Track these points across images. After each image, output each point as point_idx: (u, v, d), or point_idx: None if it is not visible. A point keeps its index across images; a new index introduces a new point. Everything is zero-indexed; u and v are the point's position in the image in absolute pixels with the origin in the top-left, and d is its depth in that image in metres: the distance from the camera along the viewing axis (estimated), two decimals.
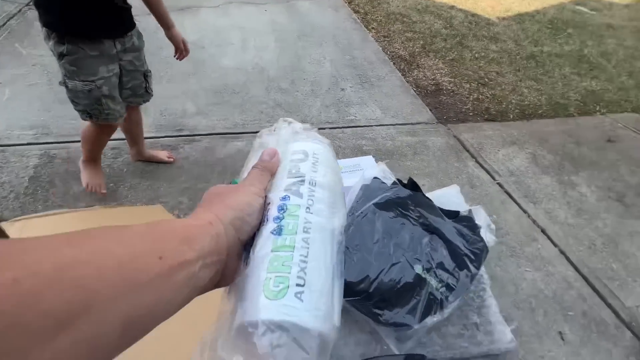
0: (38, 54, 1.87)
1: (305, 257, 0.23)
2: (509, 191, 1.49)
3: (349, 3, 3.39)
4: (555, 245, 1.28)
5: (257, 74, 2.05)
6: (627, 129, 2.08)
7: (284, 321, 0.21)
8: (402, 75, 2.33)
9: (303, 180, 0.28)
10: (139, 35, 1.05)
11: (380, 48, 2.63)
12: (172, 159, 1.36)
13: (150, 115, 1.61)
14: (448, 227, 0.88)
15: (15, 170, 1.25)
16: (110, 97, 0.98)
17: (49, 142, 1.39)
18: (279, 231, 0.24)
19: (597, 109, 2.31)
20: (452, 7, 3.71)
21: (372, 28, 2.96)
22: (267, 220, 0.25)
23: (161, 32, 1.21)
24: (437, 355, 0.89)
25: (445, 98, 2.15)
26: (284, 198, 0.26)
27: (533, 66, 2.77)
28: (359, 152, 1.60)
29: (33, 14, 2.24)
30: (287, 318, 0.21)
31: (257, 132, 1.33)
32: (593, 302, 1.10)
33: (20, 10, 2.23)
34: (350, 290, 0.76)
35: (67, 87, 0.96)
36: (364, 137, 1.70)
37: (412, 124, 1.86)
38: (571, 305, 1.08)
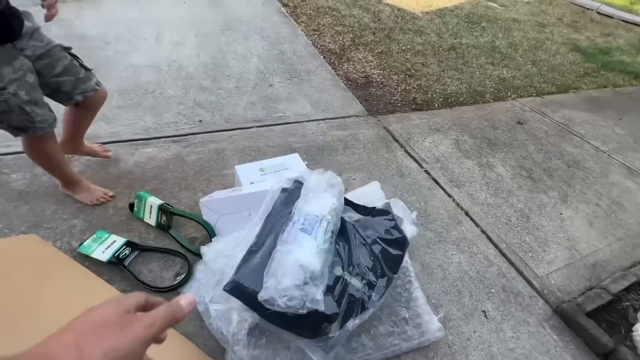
0: None
1: None
2: (435, 177, 1.54)
3: None
4: (477, 225, 1.34)
5: (174, 72, 1.86)
6: (533, 112, 2.32)
7: None
8: (333, 68, 2.30)
9: None
10: (28, 16, 0.85)
11: (310, 42, 2.58)
12: (109, 153, 1.26)
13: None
14: (364, 224, 0.84)
15: None
16: (27, 101, 0.81)
17: None
18: None
19: (509, 94, 2.53)
20: (380, 1, 3.81)
21: (302, 22, 2.89)
22: None
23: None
24: (370, 359, 0.87)
25: (375, 90, 2.18)
26: None
27: (454, 57, 2.95)
28: (288, 149, 1.52)
29: None
30: None
31: (173, 136, 1.17)
32: (511, 276, 1.18)
33: None
34: (260, 305, 0.69)
35: None
36: (294, 134, 1.63)
37: (342, 117, 1.84)
38: (492, 283, 1.13)
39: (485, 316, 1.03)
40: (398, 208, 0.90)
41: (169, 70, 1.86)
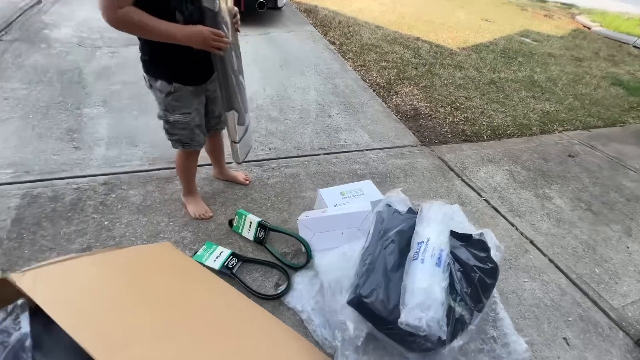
0: (9, 87, 1.77)
1: None
2: (495, 206, 1.60)
3: (324, 35, 3.58)
4: (544, 254, 1.38)
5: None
6: (582, 145, 2.35)
7: None
8: (383, 101, 2.47)
9: None
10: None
11: (359, 76, 2.79)
12: (248, 182, 1.45)
13: (141, 149, 1.57)
14: (463, 252, 0.93)
15: None
16: (199, 126, 1.09)
17: (31, 181, 1.29)
18: None
19: (555, 127, 2.58)
20: (418, 38, 4.06)
21: (349, 58, 3.14)
22: None
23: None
24: None
25: (424, 122, 2.31)
26: None
27: (495, 91, 3.06)
28: (354, 176, 1.65)
29: (1, 46, 2.13)
30: None
31: (254, 160, 1.35)
32: (586, 305, 1.19)
33: None
34: (383, 320, 0.78)
35: (167, 120, 1.04)
36: (357, 162, 1.76)
37: (398, 147, 1.96)
38: (569, 311, 1.16)
39: (567, 343, 1.05)
40: (489, 239, 0.98)
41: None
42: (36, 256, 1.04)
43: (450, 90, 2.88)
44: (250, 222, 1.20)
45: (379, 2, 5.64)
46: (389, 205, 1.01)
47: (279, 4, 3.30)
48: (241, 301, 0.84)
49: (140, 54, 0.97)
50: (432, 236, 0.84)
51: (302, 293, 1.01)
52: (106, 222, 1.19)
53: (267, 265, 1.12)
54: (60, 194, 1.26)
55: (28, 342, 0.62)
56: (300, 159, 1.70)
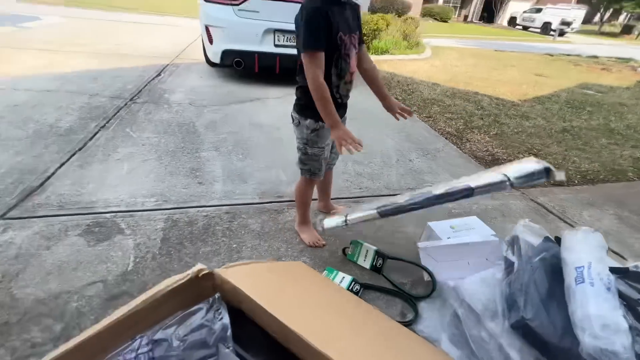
0: (147, 136, 2.16)
1: None
2: (618, 252, 1.47)
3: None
4: None
5: None
6: None
7: None
8: (457, 147, 2.53)
9: None
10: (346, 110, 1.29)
11: (428, 126, 2.93)
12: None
13: (250, 185, 1.76)
14: (621, 284, 0.87)
15: (147, 233, 1.33)
16: (325, 159, 1.27)
17: (170, 208, 1.50)
18: None
19: None
20: (476, 93, 4.21)
21: (414, 111, 3.33)
22: None
23: (240, 115, 1.42)
24: None
25: None
26: None
27: (570, 138, 2.98)
28: (450, 215, 1.65)
29: (136, 107, 2.65)
30: None
31: (351, 197, 1.45)
32: None
33: (126, 104, 2.64)
34: (553, 347, 0.74)
35: (305, 152, 1.22)
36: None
37: None
38: None
39: None
40: None
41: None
42: (183, 270, 1.16)
43: (523, 137, 2.87)
44: (367, 251, 1.24)
45: (430, 64, 6.07)
46: (524, 232, 1.00)
47: None
48: (385, 316, 0.85)
49: (296, 98, 1.18)
50: (593, 261, 0.81)
51: (434, 322, 0.99)
52: (234, 245, 1.31)
53: (389, 293, 1.13)
54: (194, 220, 1.44)
55: (229, 332, 0.69)
56: (392, 197, 1.77)
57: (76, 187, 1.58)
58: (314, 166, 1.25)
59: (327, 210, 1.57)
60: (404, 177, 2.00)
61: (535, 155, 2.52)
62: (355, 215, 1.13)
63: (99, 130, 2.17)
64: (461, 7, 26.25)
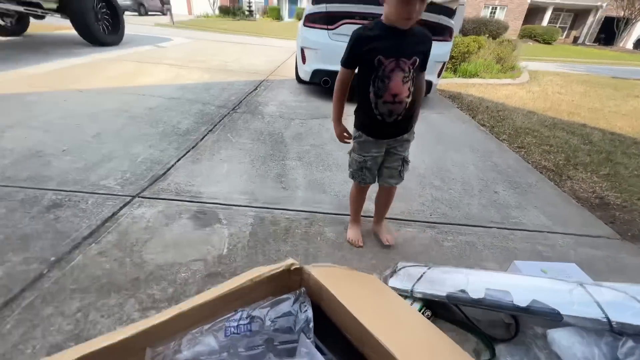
0: (244, 142, 2.47)
1: None
2: None
3: (472, 117, 3.69)
4: None
5: (409, 170, 2.26)
6: None
7: None
8: (555, 184, 2.26)
9: None
10: (413, 133, 1.33)
11: (520, 157, 2.68)
12: (388, 243, 1.48)
13: (328, 196, 1.87)
14: None
15: (239, 226, 1.53)
16: (369, 169, 1.35)
17: (258, 207, 1.70)
18: None
19: None
20: (584, 125, 3.69)
21: (504, 139, 3.08)
22: None
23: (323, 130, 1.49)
24: None
25: (619, 213, 1.95)
26: None
27: None
28: (540, 257, 1.49)
29: (237, 115, 3.06)
30: None
31: (426, 221, 1.40)
32: None
33: (229, 113, 3.07)
34: None
35: (350, 156, 1.38)
36: (539, 243, 1.60)
37: (590, 236, 1.70)
38: None
39: None
40: None
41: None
42: (266, 263, 1.31)
43: None
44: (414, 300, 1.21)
45: (526, 90, 5.53)
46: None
47: (431, 90, 3.65)
48: (461, 350, 0.83)
49: None
50: None
51: None
52: (311, 249, 1.42)
53: (463, 327, 1.08)
54: (277, 220, 1.60)
55: (311, 325, 0.78)
56: (473, 228, 1.68)
57: (188, 179, 1.91)
58: (355, 171, 1.38)
59: (376, 232, 1.55)
60: (486, 209, 1.87)
61: None
62: (422, 289, 1.11)
63: (207, 133, 2.58)
64: (571, 28, 23.31)
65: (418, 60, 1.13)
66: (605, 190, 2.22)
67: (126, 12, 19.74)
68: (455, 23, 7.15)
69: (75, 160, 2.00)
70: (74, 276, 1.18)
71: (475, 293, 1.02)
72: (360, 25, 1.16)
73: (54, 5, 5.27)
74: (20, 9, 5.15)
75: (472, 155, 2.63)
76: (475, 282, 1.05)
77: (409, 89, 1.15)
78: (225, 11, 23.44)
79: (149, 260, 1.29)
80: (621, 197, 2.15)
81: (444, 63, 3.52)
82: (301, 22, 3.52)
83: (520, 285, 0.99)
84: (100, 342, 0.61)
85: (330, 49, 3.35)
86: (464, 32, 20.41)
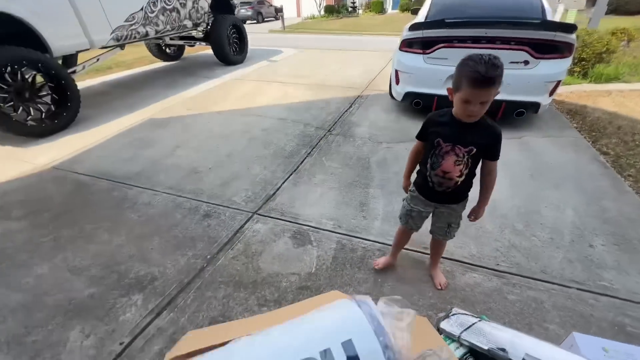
0: (334, 166, 2.90)
1: None
2: None
3: (593, 143, 3.21)
4: None
5: (490, 209, 2.27)
6: None
7: None
8: None
9: None
10: (463, 205, 1.49)
11: None
12: (440, 288, 1.66)
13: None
14: None
15: (325, 249, 1.96)
16: (413, 218, 1.60)
17: (340, 233, 2.10)
18: None
19: None
20: None
21: (629, 175, 2.64)
22: None
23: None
24: None
25: None
26: None
27: None
28: (620, 331, 1.43)
29: (331, 137, 3.51)
30: None
31: (494, 269, 1.56)
32: None
33: (325, 135, 3.55)
34: None
35: (403, 201, 1.64)
36: (627, 314, 1.51)
37: None
38: None
39: None
40: None
41: (487, 208, 2.30)
42: (342, 287, 1.69)
43: None
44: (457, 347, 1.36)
45: None
46: None
47: (540, 110, 3.33)
48: None
49: None
50: None
51: None
52: (379, 279, 1.73)
53: None
54: (355, 248, 1.96)
55: None
56: (546, 284, 1.68)
57: (291, 201, 2.45)
58: (402, 215, 1.63)
59: (431, 275, 1.73)
60: (572, 265, 1.79)
61: None
62: (469, 337, 1.24)
63: (306, 156, 3.11)
64: None
65: (475, 149, 1.27)
66: None
67: (247, 21, 22.97)
68: (596, 11, 5.90)
69: (216, 177, 2.79)
70: (220, 272, 1.81)
71: (515, 355, 1.16)
72: (435, 112, 1.38)
73: (201, 36, 6.78)
74: (181, 43, 6.85)
75: (576, 195, 2.40)
76: (518, 345, 1.19)
77: (460, 170, 1.32)
78: (330, 10, 24.49)
79: (263, 267, 1.84)
80: None
81: (559, 82, 3.16)
82: (397, 46, 3.69)
83: None
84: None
85: (424, 72, 3.44)
86: (619, 8, 15.93)
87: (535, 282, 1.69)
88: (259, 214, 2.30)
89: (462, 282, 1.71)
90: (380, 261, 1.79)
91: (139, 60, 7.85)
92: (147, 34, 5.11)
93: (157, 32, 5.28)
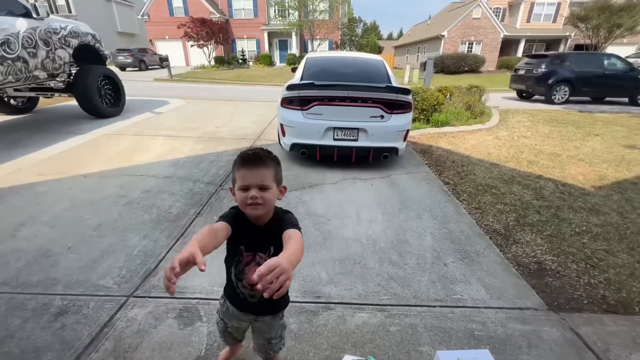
0: None
1: None
2: None
3: (439, 175, 4.07)
4: None
5: (371, 245, 2.57)
6: None
7: None
8: (500, 251, 2.56)
9: None
10: (282, 314, 1.30)
11: (474, 221, 3.00)
12: None
13: (296, 281, 2.16)
14: None
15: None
16: (231, 334, 1.36)
17: None
18: None
19: None
20: (539, 176, 4.06)
21: (463, 199, 3.43)
22: None
23: (300, 205, 1.82)
24: None
25: (551, 280, 2.24)
26: None
27: None
28: (471, 337, 1.75)
29: (223, 193, 3.42)
30: None
31: (377, 304, 1.75)
32: None
33: (216, 190, 3.44)
34: None
35: (217, 312, 1.38)
36: (474, 320, 1.87)
37: (520, 308, 1.97)
38: None
39: None
40: None
41: (367, 244, 2.59)
42: None
43: (584, 240, 2.71)
44: None
45: (495, 135, 6.00)
46: None
47: (400, 153, 4.07)
48: None
49: None
50: None
51: None
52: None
53: None
54: None
55: None
56: (418, 308, 1.95)
57: None
58: (220, 330, 1.43)
59: None
60: (434, 286, 2.15)
61: (593, 266, 2.37)
62: None
63: (195, 217, 2.92)
64: None
65: (273, 248, 1.09)
66: (544, 254, 2.52)
67: (127, 69, 21.25)
68: (427, 74, 7.81)
69: (79, 259, 2.31)
70: None
71: None
72: None
73: (62, 87, 5.88)
74: (32, 94, 5.76)
75: (431, 222, 2.95)
76: None
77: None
78: (220, 61, 25.05)
79: None
80: (557, 260, 2.44)
81: (407, 130, 3.97)
82: (279, 102, 4.02)
83: None
84: None
85: (305, 126, 3.81)
86: (444, 69, 21.74)
87: (410, 309, 1.95)
88: (135, 296, 1.98)
89: (352, 324, 1.82)
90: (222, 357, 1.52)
91: None
92: None
93: None
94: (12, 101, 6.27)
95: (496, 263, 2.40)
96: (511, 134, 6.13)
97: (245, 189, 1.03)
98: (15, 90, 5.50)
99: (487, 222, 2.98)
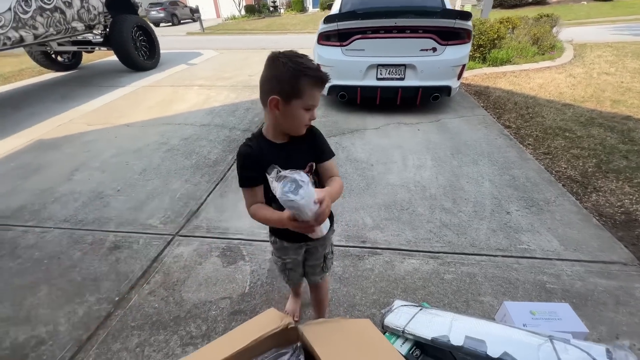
0: None
1: None
2: None
3: (498, 119, 3.56)
4: None
5: (420, 192, 2.33)
6: None
7: None
8: (577, 199, 2.19)
9: None
10: (330, 229, 1.14)
11: (543, 167, 2.59)
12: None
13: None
14: None
15: (259, 262, 1.77)
16: (293, 270, 1.27)
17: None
18: None
19: None
20: (627, 117, 3.38)
21: (529, 144, 2.97)
22: None
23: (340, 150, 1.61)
24: None
25: None
26: None
27: None
28: (542, 290, 1.53)
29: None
30: None
31: (429, 252, 1.50)
32: None
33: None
34: None
35: (272, 254, 1.29)
36: (545, 272, 1.63)
37: (604, 262, 1.68)
38: None
39: None
40: None
41: (416, 190, 2.36)
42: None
43: None
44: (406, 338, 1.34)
45: (568, 73, 5.09)
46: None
47: (452, 93, 3.57)
48: None
49: None
50: None
51: None
52: None
53: None
54: None
55: None
56: (477, 257, 1.75)
57: (218, 214, 2.19)
58: (279, 270, 1.33)
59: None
60: (495, 235, 1.90)
61: None
62: (412, 330, 1.09)
63: (234, 162, 2.85)
64: None
65: (314, 163, 1.04)
66: (635, 204, 2.11)
67: (161, 24, 21.11)
68: (486, 2, 6.64)
69: (128, 200, 2.38)
70: (133, 314, 1.50)
71: (456, 340, 1.13)
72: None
73: (101, 40, 5.92)
74: (74, 48, 5.88)
75: (490, 168, 2.60)
76: (458, 329, 1.16)
77: None
78: (250, 10, 23.86)
79: (187, 298, 1.57)
80: None
81: (464, 65, 3.42)
82: (315, 40, 3.63)
83: (497, 335, 1.08)
84: None
85: (344, 65, 3.43)
86: (503, 2, 18.61)
87: (467, 257, 1.75)
88: (180, 235, 2.00)
89: (402, 270, 1.68)
90: (289, 309, 1.50)
91: (19, 73, 6.58)
92: (22, 40, 4.23)
93: (36, 36, 4.42)
94: (59, 58, 6.50)
95: (571, 212, 2.06)
96: (589, 70, 5.14)
97: (311, 108, 0.96)
98: (59, 44, 5.63)
99: (559, 169, 2.55)
